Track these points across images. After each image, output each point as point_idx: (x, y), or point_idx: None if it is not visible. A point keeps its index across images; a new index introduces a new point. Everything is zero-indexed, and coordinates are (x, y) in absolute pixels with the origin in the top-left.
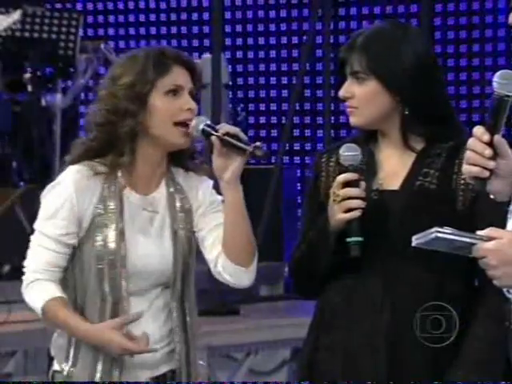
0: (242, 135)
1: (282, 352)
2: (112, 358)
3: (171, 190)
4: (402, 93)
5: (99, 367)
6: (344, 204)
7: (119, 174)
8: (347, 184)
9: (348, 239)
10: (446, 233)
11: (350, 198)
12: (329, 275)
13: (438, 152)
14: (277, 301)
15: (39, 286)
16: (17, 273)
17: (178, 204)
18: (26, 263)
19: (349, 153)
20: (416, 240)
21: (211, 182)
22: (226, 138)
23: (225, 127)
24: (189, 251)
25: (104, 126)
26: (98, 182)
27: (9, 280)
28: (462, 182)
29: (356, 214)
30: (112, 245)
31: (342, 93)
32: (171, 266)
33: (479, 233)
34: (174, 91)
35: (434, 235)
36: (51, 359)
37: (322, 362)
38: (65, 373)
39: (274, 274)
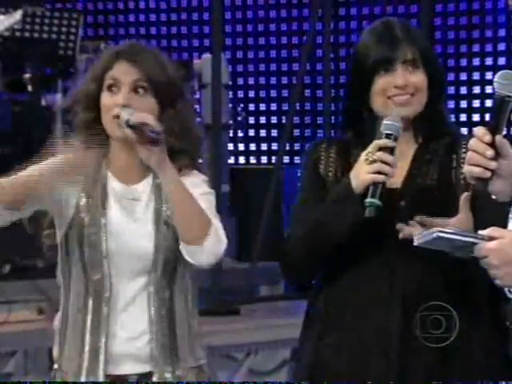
0: (150, 121)
1: (282, 352)
2: (97, 350)
3: (158, 181)
4: (431, 91)
5: (85, 359)
6: (376, 165)
7: (103, 162)
8: (382, 150)
9: (367, 200)
10: (447, 232)
11: (382, 162)
12: (331, 273)
13: (435, 148)
14: (277, 301)
15: None
16: (17, 273)
17: (163, 195)
18: None
19: (391, 122)
20: (417, 239)
21: (201, 177)
22: (136, 127)
23: (134, 116)
24: (175, 239)
25: (82, 129)
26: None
27: (9, 280)
28: (462, 176)
29: (383, 178)
30: (93, 229)
31: (401, 81)
32: (152, 249)
33: (481, 232)
34: (112, 86)
35: (435, 235)
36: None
37: (326, 362)
38: (56, 365)
39: (274, 274)
